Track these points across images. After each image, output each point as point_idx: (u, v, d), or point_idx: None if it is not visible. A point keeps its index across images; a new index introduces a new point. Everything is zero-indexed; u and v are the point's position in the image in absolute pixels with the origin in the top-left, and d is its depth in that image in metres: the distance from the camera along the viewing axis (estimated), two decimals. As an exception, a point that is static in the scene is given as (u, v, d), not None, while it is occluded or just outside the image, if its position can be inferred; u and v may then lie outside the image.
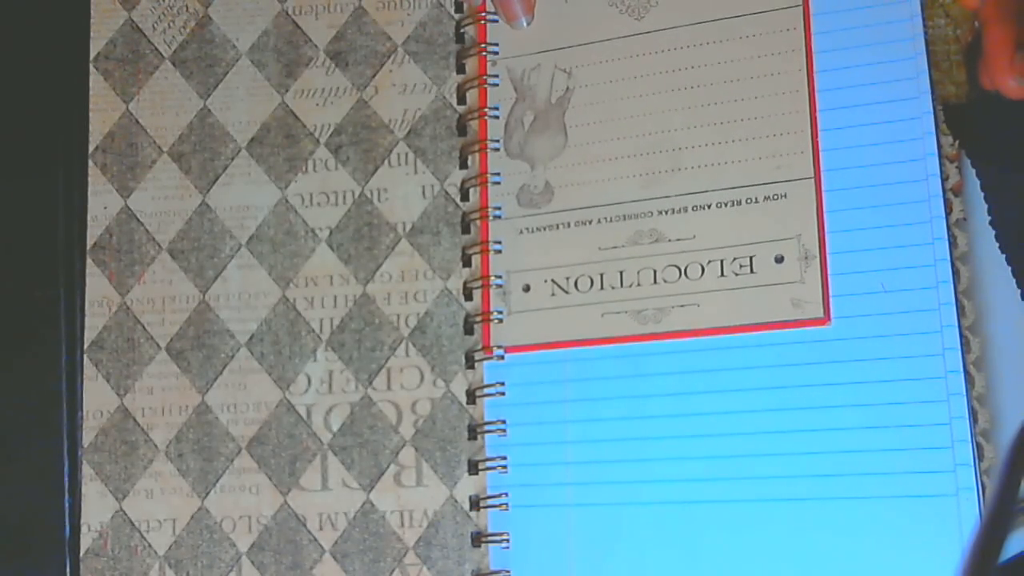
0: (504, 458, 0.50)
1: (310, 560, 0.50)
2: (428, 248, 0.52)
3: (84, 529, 0.51)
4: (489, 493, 0.49)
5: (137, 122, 0.54)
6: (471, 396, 0.50)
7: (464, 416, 0.50)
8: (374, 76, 0.54)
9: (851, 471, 0.44)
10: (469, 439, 0.50)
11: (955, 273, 0.45)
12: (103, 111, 0.54)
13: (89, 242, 0.53)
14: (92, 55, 0.55)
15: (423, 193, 0.53)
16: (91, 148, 0.54)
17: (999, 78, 0.43)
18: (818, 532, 0.44)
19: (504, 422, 0.50)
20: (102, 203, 0.54)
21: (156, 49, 0.55)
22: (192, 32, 0.55)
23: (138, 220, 0.53)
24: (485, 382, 0.50)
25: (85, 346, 0.52)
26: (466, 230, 0.52)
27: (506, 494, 0.49)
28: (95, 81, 0.55)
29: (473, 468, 0.50)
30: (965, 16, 0.47)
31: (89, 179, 0.54)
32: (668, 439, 0.47)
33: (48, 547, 0.50)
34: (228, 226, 0.53)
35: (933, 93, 0.46)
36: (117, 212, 0.54)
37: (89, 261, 0.53)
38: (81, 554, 0.51)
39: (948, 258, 0.45)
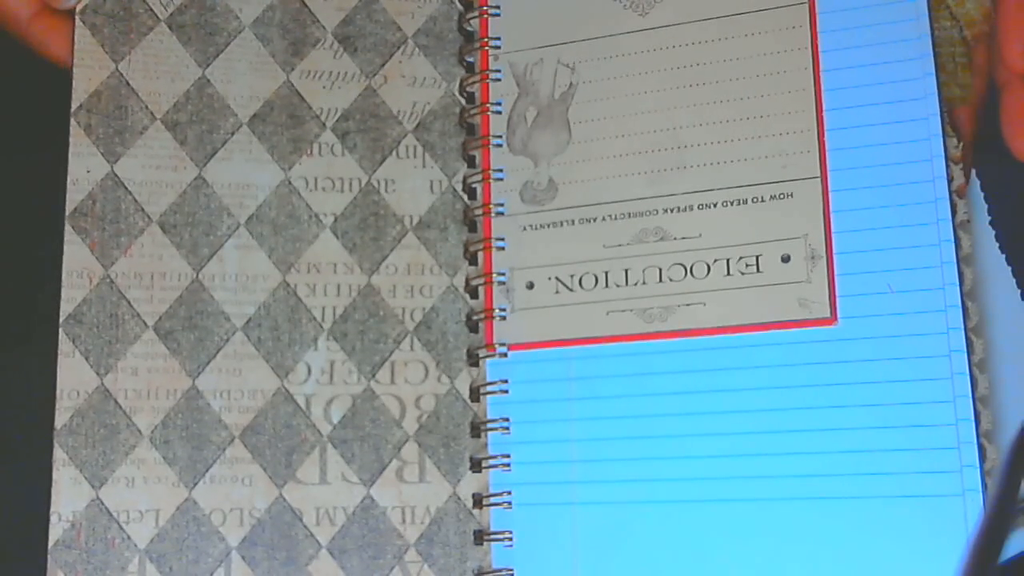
0: (507, 456, 0.45)
1: (305, 556, 0.43)
2: (435, 244, 0.46)
3: (54, 519, 0.42)
4: (492, 491, 0.45)
5: (127, 84, 0.45)
6: (475, 393, 0.45)
7: (468, 413, 0.45)
8: (383, 65, 0.48)
9: (856, 471, 0.41)
10: (472, 436, 0.45)
11: (960, 275, 0.42)
12: (89, 68, 0.45)
13: (68, 207, 0.44)
14: (79, 7, 0.46)
15: (431, 188, 0.47)
16: (74, 107, 0.45)
17: (1018, 143, 0.41)
18: (824, 531, 0.41)
19: (507, 420, 0.45)
20: (85, 166, 0.45)
21: (150, 9, 0.46)
22: (191, -3, 0.47)
23: (126, 188, 0.45)
24: (488, 379, 0.46)
25: (61, 319, 0.43)
26: (472, 228, 0.47)
27: (509, 492, 0.44)
28: (80, 34, 0.45)
29: (476, 466, 0.45)
30: (971, 19, 0.44)
31: (71, 139, 0.45)
32: (673, 438, 0.43)
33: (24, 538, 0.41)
34: (226, 203, 0.45)
35: (940, 94, 0.43)
36: (102, 178, 0.45)
37: (68, 228, 0.44)
38: (50, 546, 0.42)
39: (954, 260, 0.42)
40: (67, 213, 0.44)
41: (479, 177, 0.47)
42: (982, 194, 0.44)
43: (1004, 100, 0.42)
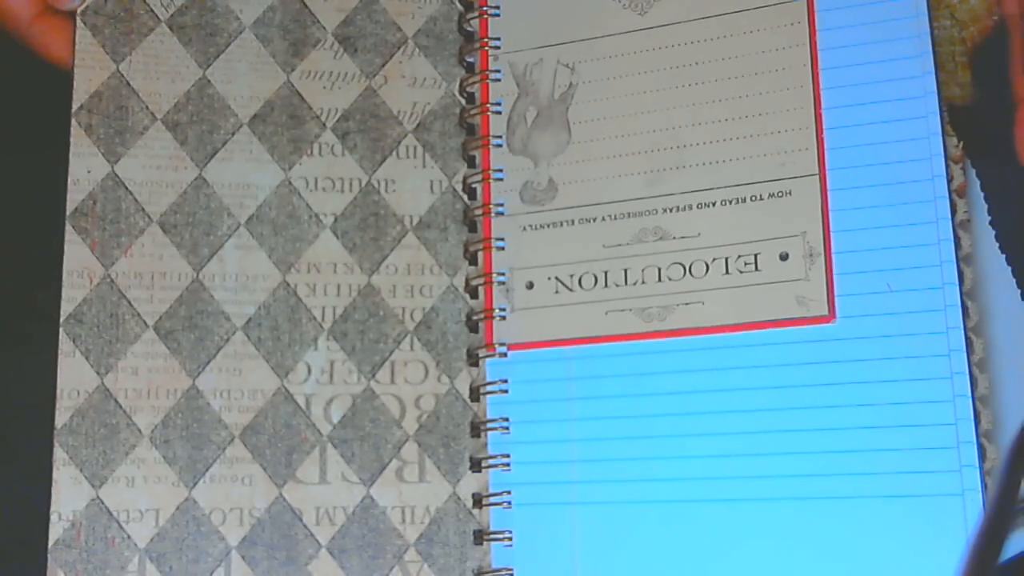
0: (507, 456, 0.45)
1: (305, 556, 0.43)
2: (435, 244, 0.46)
3: (54, 518, 0.42)
4: (492, 491, 0.44)
5: (128, 84, 0.45)
6: (474, 393, 0.45)
7: (468, 413, 0.45)
8: (384, 65, 0.47)
9: (856, 470, 0.41)
10: (472, 436, 0.45)
11: (960, 274, 0.42)
12: (90, 68, 0.45)
13: (69, 207, 0.44)
14: (81, 7, 0.46)
15: (431, 188, 0.47)
16: (75, 107, 0.45)
17: None
18: (823, 531, 0.41)
19: (507, 420, 0.45)
20: (85, 166, 0.45)
21: (151, 10, 0.46)
22: (192, -2, 0.47)
23: (126, 188, 0.45)
24: (488, 379, 0.45)
25: (61, 318, 0.43)
26: (472, 228, 0.47)
27: (508, 492, 0.44)
28: (82, 35, 0.45)
29: (476, 466, 0.45)
30: (971, 18, 0.44)
31: (71, 139, 0.45)
32: (672, 437, 0.43)
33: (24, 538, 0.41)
34: (226, 203, 0.45)
35: (939, 93, 0.43)
36: (103, 178, 0.45)
37: (68, 228, 0.44)
38: (50, 545, 0.42)
39: (954, 259, 0.41)
40: (68, 213, 0.44)
41: (479, 177, 0.47)
42: (982, 194, 0.44)
43: (1020, 115, 0.41)
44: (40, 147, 0.45)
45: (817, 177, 0.44)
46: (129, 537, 0.42)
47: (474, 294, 0.46)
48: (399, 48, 0.47)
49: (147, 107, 0.45)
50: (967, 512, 0.40)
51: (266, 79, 0.46)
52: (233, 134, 0.46)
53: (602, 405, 0.44)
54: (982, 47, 0.44)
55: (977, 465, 0.40)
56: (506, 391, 0.45)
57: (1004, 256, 0.43)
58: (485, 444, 0.44)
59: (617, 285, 0.45)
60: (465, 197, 0.47)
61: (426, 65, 0.47)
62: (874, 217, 0.43)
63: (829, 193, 0.44)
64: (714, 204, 0.45)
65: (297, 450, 0.43)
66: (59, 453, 0.42)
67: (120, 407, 0.43)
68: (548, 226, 0.46)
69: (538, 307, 0.46)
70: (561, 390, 0.45)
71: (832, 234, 0.43)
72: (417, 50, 0.48)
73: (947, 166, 0.43)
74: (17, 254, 0.45)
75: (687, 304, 0.44)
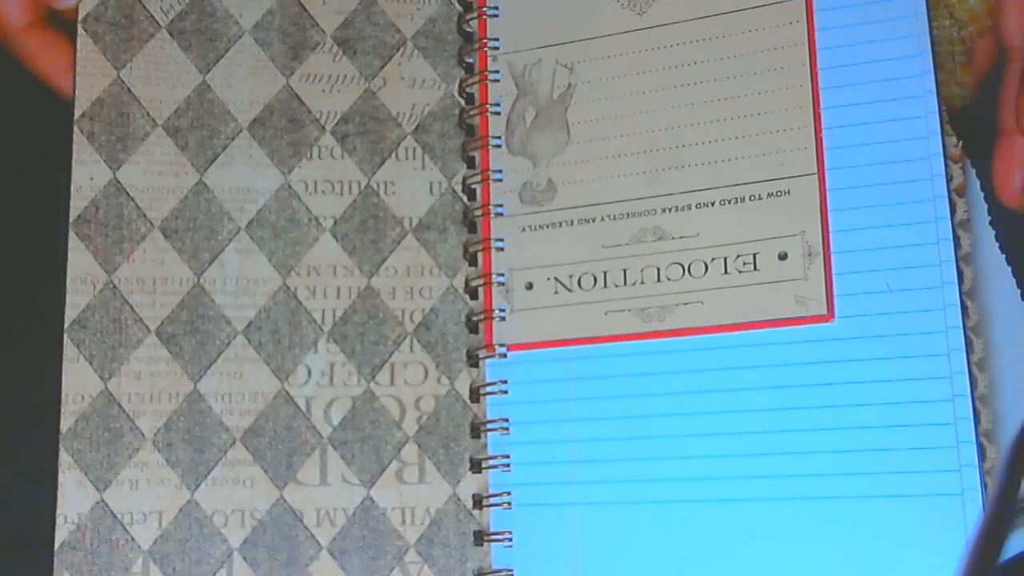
0: (507, 456, 0.45)
1: (306, 557, 0.43)
2: (434, 245, 0.46)
3: (60, 521, 0.42)
4: (492, 492, 0.45)
5: (129, 91, 0.46)
6: (474, 394, 0.45)
7: (468, 414, 0.45)
8: (383, 67, 0.48)
9: (855, 470, 0.41)
10: (472, 437, 0.45)
11: (959, 274, 0.41)
12: (91, 76, 0.45)
13: (72, 214, 0.45)
14: (81, 15, 0.46)
15: (430, 189, 0.47)
16: (77, 114, 0.45)
17: (1006, 194, 0.41)
18: (823, 531, 0.41)
19: (507, 420, 0.45)
20: (88, 173, 0.45)
21: (151, 16, 0.46)
22: (191, 3, 0.47)
23: (128, 195, 0.45)
24: (488, 380, 0.46)
25: (66, 324, 0.44)
26: (472, 229, 0.47)
27: (508, 493, 0.45)
28: (83, 43, 0.46)
29: (476, 466, 0.45)
30: (970, 18, 0.44)
31: (74, 147, 0.45)
32: (672, 438, 0.43)
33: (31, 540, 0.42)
34: (226, 208, 0.45)
35: (938, 92, 0.42)
36: (105, 184, 0.45)
37: (72, 234, 0.44)
38: (56, 547, 0.42)
39: (953, 259, 0.41)
40: (71, 220, 0.44)
41: (478, 178, 0.47)
42: (982, 194, 0.44)
43: (1000, 144, 0.41)
44: (43, 155, 0.46)
45: (816, 176, 0.44)
46: (133, 539, 0.42)
47: (474, 295, 0.46)
48: (398, 50, 0.48)
49: (148, 113, 0.45)
50: (967, 512, 0.40)
51: (265, 83, 0.46)
52: (233, 139, 0.46)
53: (602, 405, 0.44)
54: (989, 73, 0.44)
55: (977, 465, 0.40)
56: (506, 392, 0.45)
57: (1004, 256, 0.43)
58: (485, 445, 0.45)
59: (616, 285, 0.45)
60: (464, 198, 0.47)
61: (425, 66, 0.48)
62: (873, 217, 0.43)
63: (828, 192, 0.43)
64: (713, 204, 0.45)
65: (298, 452, 0.44)
66: (64, 457, 0.42)
67: (123, 411, 0.43)
68: (547, 227, 0.46)
69: (538, 308, 0.46)
70: (561, 390, 0.45)
71: (831, 234, 0.43)
72: (416, 51, 0.48)
73: (947, 166, 0.42)
74: (21, 261, 0.45)
75: (686, 304, 0.44)
